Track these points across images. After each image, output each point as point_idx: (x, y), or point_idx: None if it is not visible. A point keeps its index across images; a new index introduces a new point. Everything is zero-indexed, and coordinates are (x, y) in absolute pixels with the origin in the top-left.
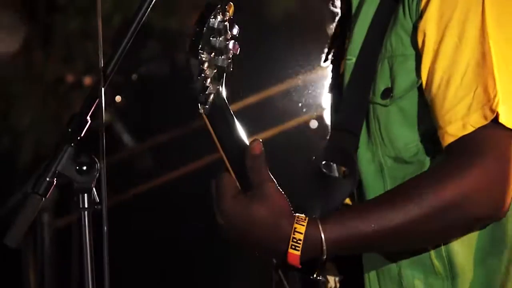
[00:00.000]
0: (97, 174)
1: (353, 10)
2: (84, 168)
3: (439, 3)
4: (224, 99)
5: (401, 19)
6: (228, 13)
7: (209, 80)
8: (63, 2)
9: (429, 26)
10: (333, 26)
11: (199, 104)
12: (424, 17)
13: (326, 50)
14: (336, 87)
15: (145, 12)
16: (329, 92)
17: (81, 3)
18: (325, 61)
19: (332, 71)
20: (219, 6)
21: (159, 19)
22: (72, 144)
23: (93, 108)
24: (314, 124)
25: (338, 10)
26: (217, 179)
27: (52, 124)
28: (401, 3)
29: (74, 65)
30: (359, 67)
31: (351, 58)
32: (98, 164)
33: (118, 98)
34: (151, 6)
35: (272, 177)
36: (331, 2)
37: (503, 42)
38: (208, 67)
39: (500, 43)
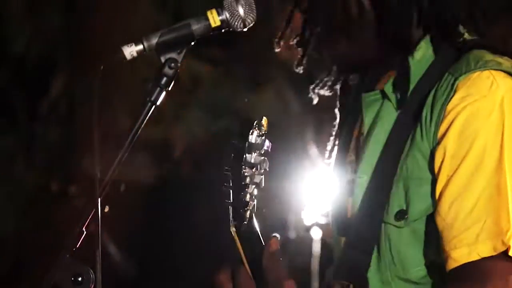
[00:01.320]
0: (93, 285)
1: (366, 129)
2: (80, 279)
3: (458, 133)
4: (253, 217)
5: (419, 142)
6: (263, 127)
7: (248, 196)
8: (44, 111)
9: (447, 154)
10: (331, 137)
11: (230, 222)
12: (442, 145)
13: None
14: (341, 203)
15: (141, 123)
16: (333, 207)
17: (62, 112)
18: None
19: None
20: (256, 121)
21: (143, 129)
22: (68, 255)
23: (89, 219)
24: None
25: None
26: (234, 275)
27: (34, 233)
28: (419, 126)
29: (56, 174)
30: (373, 186)
31: (363, 177)
32: (94, 275)
33: (106, 208)
34: (148, 117)
35: (287, 275)
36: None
37: None
38: (249, 182)
39: None
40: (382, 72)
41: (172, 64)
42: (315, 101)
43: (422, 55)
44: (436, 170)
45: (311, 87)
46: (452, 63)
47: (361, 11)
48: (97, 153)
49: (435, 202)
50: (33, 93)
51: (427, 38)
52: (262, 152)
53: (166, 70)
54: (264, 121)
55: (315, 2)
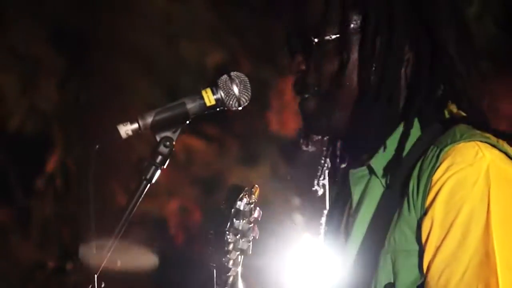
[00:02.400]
0: None
1: (354, 206)
2: None
3: (445, 202)
4: (239, 283)
5: (406, 215)
6: (254, 196)
7: (231, 262)
8: (40, 186)
9: (434, 224)
10: (322, 220)
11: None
12: (429, 215)
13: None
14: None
15: (136, 201)
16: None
17: (58, 187)
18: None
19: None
20: (246, 188)
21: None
22: None
23: None
24: None
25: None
26: None
27: None
28: (406, 198)
29: (51, 250)
30: (360, 262)
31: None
32: None
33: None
34: (142, 196)
35: None
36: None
37: (508, 244)
38: (233, 249)
39: (505, 244)
40: (369, 148)
41: (167, 143)
42: (320, 193)
43: (411, 131)
44: (423, 240)
45: (316, 181)
46: (438, 137)
47: (365, 91)
48: (93, 228)
49: (423, 273)
50: (28, 169)
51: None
52: (251, 220)
53: (161, 148)
54: (255, 189)
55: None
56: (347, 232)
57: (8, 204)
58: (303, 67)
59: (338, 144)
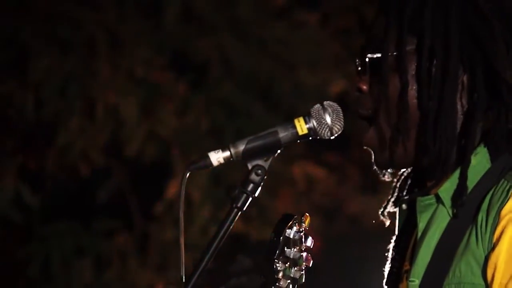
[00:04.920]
0: None
1: (419, 234)
2: None
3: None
4: None
5: (473, 247)
6: (304, 224)
7: None
8: (159, 212)
9: (500, 261)
10: (390, 247)
11: None
12: (496, 251)
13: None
14: None
15: (227, 229)
16: None
17: (176, 213)
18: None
19: None
20: (295, 216)
21: (256, 231)
22: None
23: None
24: None
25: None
26: None
27: None
28: (474, 231)
29: (168, 274)
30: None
31: (414, 280)
32: None
33: None
34: (235, 220)
35: None
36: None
37: None
38: (282, 277)
39: None
40: (438, 176)
41: (259, 171)
42: (387, 223)
43: (479, 161)
44: (489, 276)
45: (380, 211)
46: (508, 170)
47: (422, 116)
48: (183, 258)
49: None
50: (148, 194)
51: (482, 145)
52: (303, 249)
53: (253, 176)
54: (305, 217)
55: (378, 107)
56: (412, 259)
57: (127, 229)
58: (364, 87)
59: (407, 172)
